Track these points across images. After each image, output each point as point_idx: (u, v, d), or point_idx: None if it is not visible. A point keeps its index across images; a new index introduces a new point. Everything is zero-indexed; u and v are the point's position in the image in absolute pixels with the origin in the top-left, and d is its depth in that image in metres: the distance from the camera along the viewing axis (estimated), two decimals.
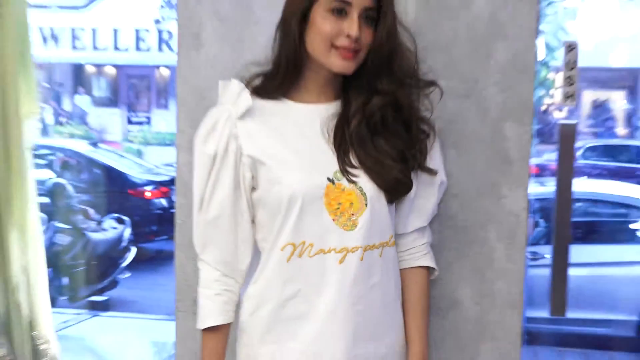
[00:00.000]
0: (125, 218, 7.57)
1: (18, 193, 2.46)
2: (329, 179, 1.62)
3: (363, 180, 1.63)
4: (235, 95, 1.67)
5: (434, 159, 1.75)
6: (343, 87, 1.70)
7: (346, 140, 1.65)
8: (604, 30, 14.82)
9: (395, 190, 1.67)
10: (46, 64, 15.96)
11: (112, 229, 7.35)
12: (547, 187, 6.52)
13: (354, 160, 1.64)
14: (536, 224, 6.17)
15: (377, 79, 1.65)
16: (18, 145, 2.45)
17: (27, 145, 2.50)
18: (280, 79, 1.68)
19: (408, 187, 1.68)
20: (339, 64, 1.61)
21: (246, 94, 1.67)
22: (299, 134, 1.67)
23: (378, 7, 1.62)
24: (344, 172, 1.63)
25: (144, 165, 10.22)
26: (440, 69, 1.94)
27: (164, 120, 16.53)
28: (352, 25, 1.58)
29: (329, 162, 1.64)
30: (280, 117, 1.68)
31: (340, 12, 1.58)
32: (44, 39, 15.14)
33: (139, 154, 13.61)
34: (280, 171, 1.62)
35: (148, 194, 8.72)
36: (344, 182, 1.63)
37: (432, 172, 1.73)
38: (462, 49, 2.02)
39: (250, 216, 1.69)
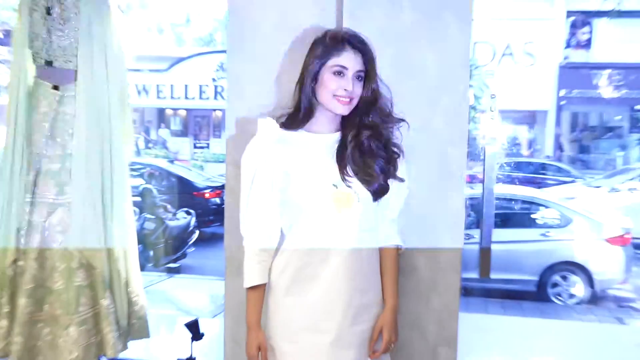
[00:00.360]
0: (191, 211, 7.57)
1: (119, 194, 2.46)
2: (333, 185, 1.62)
3: (356, 185, 1.63)
4: (269, 127, 1.68)
5: (402, 172, 1.73)
6: (342, 123, 1.69)
7: (345, 159, 1.65)
8: (512, 84, 14.86)
9: (378, 192, 1.66)
10: (139, 108, 16.07)
11: (182, 218, 7.34)
12: (475, 190, 6.52)
13: (350, 172, 1.64)
14: (468, 215, 6.16)
15: (366, 117, 1.66)
16: (120, 162, 2.46)
17: (125, 162, 2.50)
18: (300, 117, 1.68)
19: (386, 190, 1.68)
20: (340, 108, 1.63)
21: (276, 127, 1.68)
22: (312, 154, 1.66)
23: (365, 70, 1.64)
24: (343, 180, 1.63)
25: (204, 176, 10.20)
26: (404, 110, 1.92)
27: (218, 145, 16.59)
28: (347, 84, 1.61)
29: (333, 173, 1.63)
30: (299, 143, 1.67)
31: (340, 74, 1.61)
32: (138, 92, 15.20)
33: (202, 168, 13.60)
34: (300, 179, 1.62)
35: (207, 195, 8.71)
36: (343, 187, 1.62)
37: (401, 180, 1.72)
38: (419, 97, 2.01)
39: (279, 210, 1.67)
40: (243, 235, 1.71)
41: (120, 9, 2.58)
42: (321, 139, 1.68)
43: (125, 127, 2.49)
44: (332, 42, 1.63)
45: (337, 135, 1.69)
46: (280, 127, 1.69)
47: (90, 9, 2.37)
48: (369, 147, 1.66)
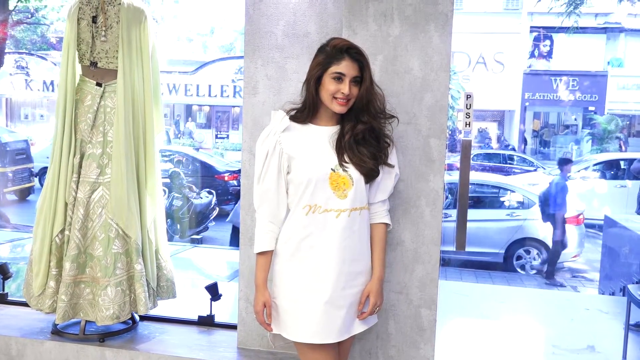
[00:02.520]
0: (212, 191, 7.57)
1: (151, 176, 2.44)
2: (331, 169, 1.61)
3: (351, 170, 1.62)
4: (280, 119, 1.67)
5: (392, 159, 1.72)
6: (341, 117, 1.68)
7: (342, 147, 1.64)
8: (484, 88, 14.79)
9: (370, 176, 1.65)
10: (170, 104, 16.02)
11: (205, 197, 7.34)
12: (453, 177, 6.51)
13: (346, 159, 1.63)
14: (446, 197, 6.15)
15: (361, 114, 1.64)
16: (152, 148, 2.43)
17: (157, 148, 2.48)
18: (306, 112, 1.67)
19: (377, 174, 1.67)
20: (337, 108, 1.62)
21: (286, 118, 1.67)
22: (315, 142, 1.65)
23: (361, 75, 1.63)
24: (340, 165, 1.62)
25: (224, 161, 10.19)
26: (394, 107, 1.90)
27: (236, 135, 16.54)
28: (345, 87, 1.60)
29: (332, 159, 1.62)
30: (305, 133, 1.67)
31: (339, 79, 1.60)
32: (169, 90, 15.13)
33: (222, 155, 13.57)
34: (304, 163, 1.61)
35: (226, 178, 8.69)
36: (340, 171, 1.61)
37: (391, 166, 1.71)
38: (407, 96, 1.99)
39: (286, 188, 1.66)
40: (255, 208, 1.70)
41: (155, 19, 2.54)
42: (323, 131, 1.67)
43: (157, 119, 2.47)
44: (333, 51, 1.62)
45: (337, 128, 1.68)
46: (290, 119, 1.68)
47: (129, 18, 2.34)
48: (363, 137, 1.65)
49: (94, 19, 2.35)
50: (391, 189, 1.74)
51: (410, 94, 1.99)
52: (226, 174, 8.72)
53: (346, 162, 1.62)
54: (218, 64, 15.14)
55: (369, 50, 1.69)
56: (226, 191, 8.53)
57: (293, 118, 1.68)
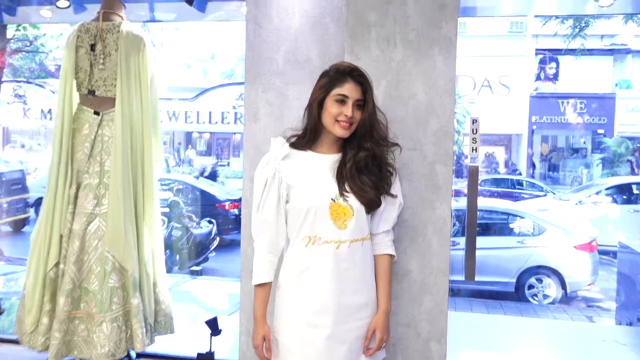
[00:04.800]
0: (213, 220, 7.54)
1: (149, 206, 2.44)
2: (331, 199, 1.61)
3: (352, 200, 1.61)
4: (279, 146, 1.68)
5: (395, 188, 1.72)
6: (343, 145, 1.68)
7: (343, 176, 1.63)
8: (490, 111, 14.88)
9: (371, 206, 1.65)
10: (170, 132, 16.13)
11: (205, 227, 7.32)
12: (460, 203, 6.48)
13: (347, 188, 1.62)
14: (454, 225, 6.11)
15: (363, 140, 1.65)
16: (150, 178, 2.43)
17: (156, 177, 2.48)
18: (307, 139, 1.68)
19: (379, 204, 1.66)
20: (340, 132, 1.63)
21: (286, 145, 1.68)
22: (316, 171, 1.65)
23: (364, 99, 1.64)
24: (341, 194, 1.61)
25: (225, 190, 10.19)
26: (398, 133, 1.91)
27: (236, 163, 16.61)
28: (348, 110, 1.61)
29: (332, 188, 1.62)
30: (305, 161, 1.67)
31: (341, 102, 1.62)
32: (169, 117, 15.25)
33: (223, 183, 13.59)
34: (303, 192, 1.62)
35: (227, 207, 8.68)
36: (340, 200, 1.61)
37: (394, 196, 1.70)
38: (411, 121, 1.99)
39: (285, 218, 1.66)
40: (254, 237, 1.70)
41: (154, 45, 2.57)
42: (324, 159, 1.67)
43: (156, 148, 2.48)
44: (336, 74, 1.64)
45: (338, 156, 1.68)
46: (290, 146, 1.68)
47: (128, 45, 2.37)
48: (365, 166, 1.65)
49: (93, 47, 2.38)
50: (395, 219, 1.74)
51: (414, 120, 1.99)
52: (227, 203, 8.70)
53: (347, 192, 1.62)
54: (218, 90, 15.28)
55: (372, 75, 1.70)
56: (227, 220, 8.50)
57: (293, 145, 1.69)
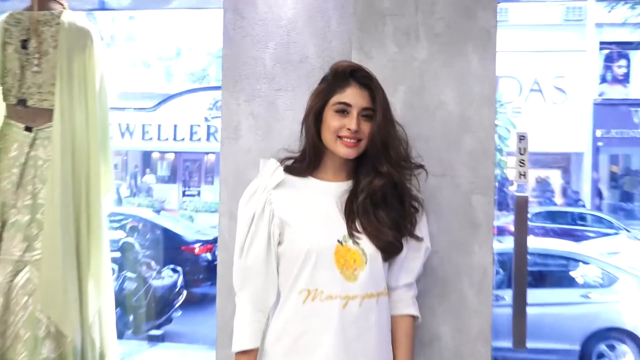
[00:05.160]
0: (178, 268, 7.53)
1: (95, 250, 2.44)
2: (338, 241, 1.61)
3: (365, 242, 1.62)
4: (271, 170, 1.69)
5: (421, 229, 1.73)
6: (354, 171, 1.70)
7: (354, 211, 1.64)
8: (541, 123, 14.94)
9: (390, 251, 1.65)
10: (122, 151, 16.19)
11: (168, 277, 7.30)
12: (505, 244, 6.47)
13: (359, 227, 1.63)
14: (497, 274, 6.10)
15: (378, 163, 1.65)
16: (97, 214, 2.44)
17: (104, 213, 2.49)
18: (307, 163, 1.70)
19: (399, 249, 1.67)
20: (343, 150, 1.63)
21: (280, 170, 1.69)
22: (318, 204, 1.67)
23: (374, 108, 1.65)
24: (350, 235, 1.62)
25: (194, 228, 10.19)
26: (422, 155, 1.92)
27: (210, 193, 16.62)
28: (351, 122, 1.62)
29: (340, 227, 1.63)
30: (305, 190, 1.68)
31: (343, 112, 1.63)
32: (121, 133, 15.34)
33: (191, 219, 13.59)
34: (301, 232, 1.62)
35: (197, 250, 8.67)
36: (350, 243, 1.61)
37: (419, 239, 1.71)
38: (439, 139, 2.02)
39: (276, 264, 1.67)
40: (236, 290, 1.70)
41: (103, 40, 2.61)
42: (329, 188, 1.69)
43: (105, 174, 2.49)
44: (335, 76, 1.67)
45: (348, 184, 1.69)
46: (285, 171, 1.69)
47: (70, 41, 2.39)
48: (382, 198, 1.65)
49: (25, 44, 2.41)
50: (420, 269, 1.74)
51: (443, 137, 2.01)
52: (197, 245, 8.69)
53: (358, 232, 1.62)
54: (186, 96, 15.41)
55: (387, 79, 1.73)
56: (197, 268, 8.48)
57: (289, 169, 1.70)
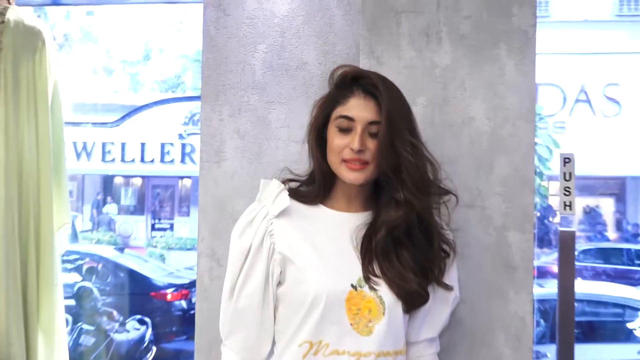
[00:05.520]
0: (146, 319, 7.48)
1: (45, 297, 2.44)
2: (352, 285, 1.61)
3: (383, 289, 1.62)
4: (274, 195, 1.68)
5: (451, 275, 1.73)
6: (375, 200, 1.70)
7: (372, 250, 1.64)
8: (590, 141, 14.91)
9: (413, 302, 1.65)
10: (78, 176, 16.16)
11: (134, 329, 7.26)
12: (547, 289, 6.45)
13: (377, 270, 1.63)
14: (537, 325, 6.07)
15: (394, 190, 1.63)
16: (49, 253, 2.44)
17: (57, 251, 2.49)
18: (317, 188, 1.71)
19: (425, 300, 1.66)
20: (347, 175, 1.63)
21: (285, 194, 1.68)
22: (329, 238, 1.67)
23: (385, 122, 1.63)
24: (367, 279, 1.62)
25: (166, 269, 10.15)
26: (445, 181, 1.93)
27: (185, 227, 16.56)
28: (353, 140, 1.61)
29: (354, 269, 1.63)
30: (313, 221, 1.69)
31: (346, 130, 1.62)
32: (77, 153, 15.34)
33: (162, 258, 13.53)
34: (307, 272, 1.62)
35: (169, 296, 8.63)
36: (365, 289, 1.61)
37: (448, 288, 1.71)
38: (466, 162, 2.02)
39: (274, 308, 1.67)
40: (223, 337, 1.71)
41: (56, 42, 2.62)
42: (343, 219, 1.69)
43: (59, 205, 2.49)
44: (336, 84, 1.68)
45: (365, 216, 1.69)
46: (290, 195, 1.69)
47: (17, 43, 2.41)
48: (406, 234, 1.65)
49: None
50: (446, 321, 1.75)
51: (471, 159, 2.02)
52: (169, 290, 8.65)
53: (376, 276, 1.62)
54: (156, 109, 15.43)
55: (403, 90, 1.72)
56: (170, 319, 8.43)
57: (295, 194, 1.71)
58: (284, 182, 1.72)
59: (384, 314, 1.60)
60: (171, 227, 17.34)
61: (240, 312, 1.66)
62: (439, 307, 1.72)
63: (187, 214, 17.17)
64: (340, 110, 1.63)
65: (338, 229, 1.67)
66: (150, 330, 7.35)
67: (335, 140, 1.62)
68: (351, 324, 1.59)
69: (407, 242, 1.65)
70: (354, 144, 1.59)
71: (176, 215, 17.65)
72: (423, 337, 1.71)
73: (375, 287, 1.61)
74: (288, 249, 1.64)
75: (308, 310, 1.59)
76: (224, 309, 1.70)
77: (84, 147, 15.35)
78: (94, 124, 15.14)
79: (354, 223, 1.67)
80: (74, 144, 14.90)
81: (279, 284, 1.65)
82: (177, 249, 14.68)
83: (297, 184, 1.74)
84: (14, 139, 2.38)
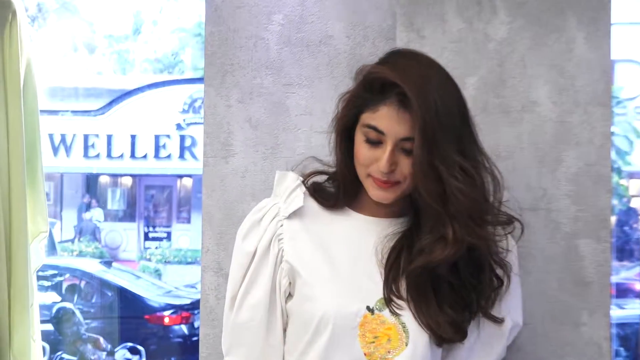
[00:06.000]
0: (140, 348, 7.53)
1: (18, 321, 2.45)
2: (368, 308, 1.61)
3: (408, 315, 1.61)
4: (288, 191, 1.70)
5: (509, 303, 1.71)
6: (412, 203, 1.67)
7: (399, 266, 1.63)
8: None
9: (445, 336, 1.62)
10: (56, 175, 16.22)
11: None
12: (628, 310, 6.41)
13: (402, 290, 1.61)
14: (615, 354, 6.05)
15: (442, 224, 1.58)
16: (23, 269, 2.46)
17: (32, 265, 2.51)
18: (339, 190, 1.71)
19: (461, 336, 1.64)
20: (373, 192, 1.63)
21: (300, 192, 1.69)
22: (348, 248, 1.67)
23: (422, 138, 1.56)
24: (388, 302, 1.61)
25: (162, 287, 10.20)
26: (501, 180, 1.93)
27: (185, 236, 16.59)
28: (381, 159, 1.57)
29: (374, 288, 1.63)
30: (331, 225, 1.69)
31: (375, 143, 1.59)
32: (54, 148, 15.40)
33: (158, 274, 13.60)
34: (314, 288, 1.63)
35: (166, 320, 8.66)
36: (385, 313, 1.61)
37: (497, 321, 1.69)
38: (527, 156, 2.02)
39: (284, 324, 1.69)
40: (224, 353, 1.73)
41: (28, 14, 2.64)
42: (370, 226, 1.69)
43: (34, 209, 2.52)
44: (365, 83, 1.63)
45: (400, 224, 1.68)
46: (311, 192, 1.71)
47: None
48: (449, 270, 1.61)
49: None
50: (501, 353, 1.74)
51: (533, 152, 2.01)
52: (167, 313, 8.71)
53: (400, 299, 1.61)
54: (149, 93, 15.48)
55: (450, 67, 1.71)
56: (167, 346, 8.49)
57: (318, 191, 1.72)
58: (309, 175, 1.73)
59: (407, 344, 1.60)
60: (168, 237, 17.36)
61: (242, 326, 1.68)
62: (490, 339, 1.71)
63: (188, 220, 17.20)
64: (369, 118, 1.59)
65: (361, 236, 1.67)
66: None
67: (362, 151, 1.61)
68: (365, 354, 1.59)
69: (448, 276, 1.61)
70: (382, 164, 1.57)
71: (174, 222, 17.66)
72: None
73: (398, 311, 1.60)
74: (297, 257, 1.65)
75: (314, 334, 1.61)
76: (225, 321, 1.73)
77: (63, 140, 15.39)
78: (74, 112, 15.19)
79: (382, 231, 1.67)
80: (51, 136, 14.95)
81: (289, 296, 1.67)
82: (175, 262, 14.74)
83: (325, 176, 1.74)
84: None
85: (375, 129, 1.58)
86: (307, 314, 1.62)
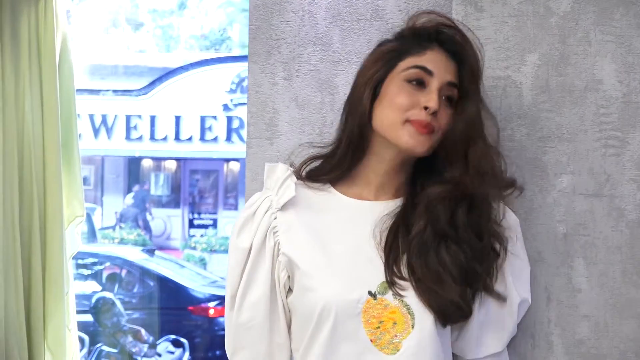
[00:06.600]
0: (183, 340, 7.56)
1: (53, 310, 2.48)
2: (370, 293, 1.63)
3: (411, 296, 1.63)
4: (279, 182, 1.73)
5: (506, 282, 1.73)
6: (409, 183, 1.72)
7: (398, 246, 1.65)
8: None
9: (448, 315, 1.64)
10: (95, 158, 16.27)
11: (167, 353, 7.35)
12: None
13: (404, 271, 1.64)
14: None
15: (447, 166, 1.66)
16: (58, 255, 2.48)
17: (68, 252, 2.53)
18: (336, 160, 1.73)
19: (465, 315, 1.67)
20: (409, 140, 1.64)
21: (291, 182, 1.73)
22: (344, 235, 1.70)
23: (460, 87, 1.67)
24: (391, 285, 1.63)
25: (207, 277, 10.22)
26: (563, 162, 1.92)
27: (231, 223, 16.41)
28: (431, 97, 1.62)
29: (374, 271, 1.65)
30: (325, 213, 1.72)
31: (419, 83, 1.64)
32: (95, 130, 15.45)
33: (203, 263, 13.66)
34: (313, 278, 1.66)
35: (211, 312, 8.66)
36: (388, 297, 1.63)
37: (500, 298, 1.71)
38: (591, 137, 2.00)
39: (287, 320, 1.72)
40: (228, 356, 1.75)
41: None
42: (365, 210, 1.71)
43: (69, 192, 2.54)
44: (410, 35, 1.69)
45: (395, 205, 1.70)
46: (307, 178, 1.75)
47: None
48: (451, 224, 1.65)
49: None
50: (512, 330, 1.76)
51: (598, 134, 2.00)
52: (212, 304, 8.74)
53: (403, 280, 1.63)
54: (194, 73, 15.49)
55: (508, 45, 1.72)
56: (213, 339, 8.51)
57: (313, 176, 1.76)
58: (303, 163, 1.76)
59: (413, 327, 1.62)
60: (214, 224, 17.39)
61: (244, 326, 1.71)
62: (499, 316, 1.72)
63: (235, 206, 17.22)
64: (414, 61, 1.65)
65: (358, 221, 1.70)
66: (187, 354, 7.43)
67: (401, 96, 1.64)
68: (371, 340, 1.62)
69: (450, 233, 1.63)
70: (432, 102, 1.61)
71: (220, 209, 17.66)
72: (486, 353, 1.73)
73: (401, 292, 1.62)
74: (293, 249, 1.68)
75: (317, 325, 1.63)
76: (227, 322, 1.76)
77: (104, 121, 15.45)
78: (115, 91, 15.24)
79: (379, 213, 1.69)
80: (91, 117, 15.01)
81: (289, 290, 1.70)
82: (221, 251, 14.73)
83: (313, 161, 1.78)
84: (13, 108, 2.42)
85: (424, 68, 1.64)
86: (308, 305, 1.64)
